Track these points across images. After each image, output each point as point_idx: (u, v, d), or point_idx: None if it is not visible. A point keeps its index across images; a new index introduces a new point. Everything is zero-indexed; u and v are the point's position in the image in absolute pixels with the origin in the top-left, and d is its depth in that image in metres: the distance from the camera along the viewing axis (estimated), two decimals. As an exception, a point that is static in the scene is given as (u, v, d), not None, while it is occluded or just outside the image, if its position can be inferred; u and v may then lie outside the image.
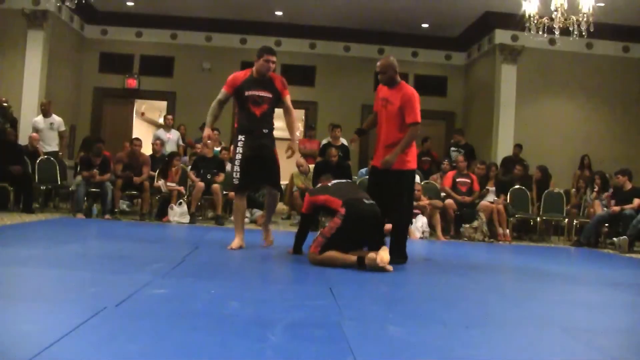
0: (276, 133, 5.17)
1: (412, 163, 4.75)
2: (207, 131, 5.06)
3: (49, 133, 9.28)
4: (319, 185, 4.96)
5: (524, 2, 7.74)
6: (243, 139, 4.90)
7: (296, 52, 12.45)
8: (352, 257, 4.21)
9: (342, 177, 5.53)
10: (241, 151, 4.88)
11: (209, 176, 8.42)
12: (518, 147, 10.44)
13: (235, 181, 4.94)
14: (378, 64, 4.83)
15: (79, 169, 8.71)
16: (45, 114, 9.29)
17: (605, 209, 8.21)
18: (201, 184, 8.23)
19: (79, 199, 8.05)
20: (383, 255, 4.14)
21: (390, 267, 4.18)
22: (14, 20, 10.40)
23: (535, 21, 7.65)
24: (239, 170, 4.89)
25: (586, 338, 2.55)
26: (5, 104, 9.24)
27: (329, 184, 4.77)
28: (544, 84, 11.21)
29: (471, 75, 12.62)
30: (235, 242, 4.99)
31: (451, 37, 12.41)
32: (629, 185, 8.27)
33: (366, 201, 4.41)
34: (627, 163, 9.60)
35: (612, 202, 8.28)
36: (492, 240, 8.17)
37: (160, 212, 8.38)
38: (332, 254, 4.26)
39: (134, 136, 11.82)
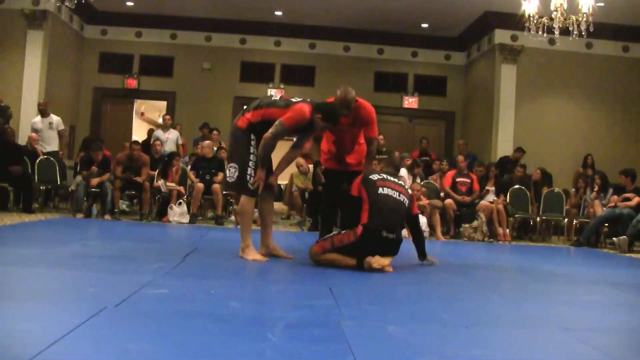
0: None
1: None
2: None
3: (48, 133, 9.26)
4: (377, 177, 4.41)
5: (524, 2, 7.74)
6: (255, 139, 4.52)
7: (296, 52, 12.45)
8: (352, 261, 4.22)
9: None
10: (254, 152, 4.49)
11: (208, 177, 8.41)
12: (520, 151, 10.12)
13: (252, 186, 4.45)
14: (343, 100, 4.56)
15: (79, 168, 8.70)
16: (43, 113, 9.26)
17: (604, 208, 8.20)
18: (200, 185, 8.21)
19: (79, 199, 8.04)
20: (378, 258, 4.15)
21: (390, 268, 4.20)
22: (14, 20, 10.40)
23: (535, 21, 7.65)
24: (254, 174, 4.45)
25: (586, 338, 2.55)
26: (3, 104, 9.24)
27: (379, 190, 4.30)
28: (544, 83, 11.21)
29: (471, 75, 12.61)
30: (253, 250, 4.51)
31: (451, 37, 12.40)
32: (631, 187, 8.25)
33: (384, 234, 4.17)
34: (626, 163, 9.59)
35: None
36: (492, 240, 8.17)
37: (160, 212, 8.38)
38: (333, 256, 4.27)
39: (133, 137, 11.90)
